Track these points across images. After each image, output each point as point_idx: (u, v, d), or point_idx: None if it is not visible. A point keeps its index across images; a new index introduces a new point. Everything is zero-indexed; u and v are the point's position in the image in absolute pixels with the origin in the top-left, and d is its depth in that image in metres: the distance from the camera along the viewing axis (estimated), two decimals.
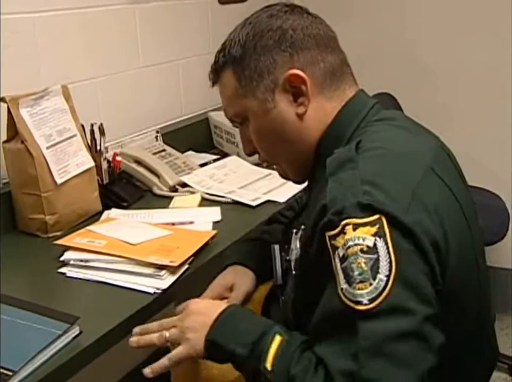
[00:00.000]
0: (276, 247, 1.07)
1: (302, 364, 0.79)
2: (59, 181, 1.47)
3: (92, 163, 1.58)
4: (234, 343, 0.86)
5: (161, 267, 1.29)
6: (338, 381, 0.73)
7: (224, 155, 2.11)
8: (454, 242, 0.82)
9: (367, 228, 0.77)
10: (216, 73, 1.01)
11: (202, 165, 1.95)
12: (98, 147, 1.65)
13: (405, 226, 0.77)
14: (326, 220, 0.81)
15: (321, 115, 0.96)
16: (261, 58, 0.96)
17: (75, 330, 1.10)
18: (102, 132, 1.65)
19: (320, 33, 0.97)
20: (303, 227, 0.94)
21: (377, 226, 0.77)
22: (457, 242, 0.83)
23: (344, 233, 0.78)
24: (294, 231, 1.00)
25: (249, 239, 1.26)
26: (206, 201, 1.72)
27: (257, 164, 1.94)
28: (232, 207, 1.68)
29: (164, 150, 1.91)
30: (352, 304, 0.76)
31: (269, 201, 1.68)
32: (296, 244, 0.97)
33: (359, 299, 0.76)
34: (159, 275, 1.27)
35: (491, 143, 2.59)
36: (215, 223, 1.56)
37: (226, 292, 1.13)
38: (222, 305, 0.95)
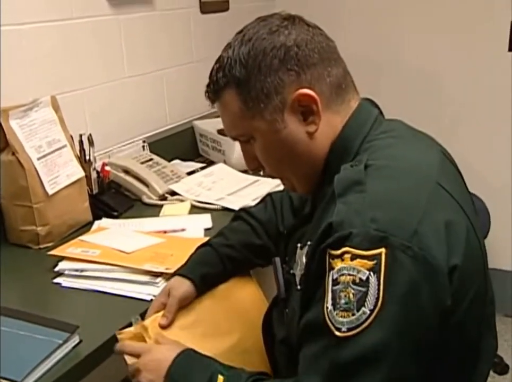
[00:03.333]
0: (278, 260, 1.07)
1: None
2: (50, 192, 1.48)
3: (82, 173, 1.59)
4: None
5: (156, 274, 1.30)
6: None
7: (210, 163, 2.13)
8: (464, 256, 0.83)
9: (365, 261, 0.79)
10: (216, 93, 0.97)
11: (189, 173, 1.97)
12: (87, 158, 1.66)
13: (411, 251, 0.78)
14: (330, 241, 0.82)
15: (329, 131, 0.95)
16: (267, 79, 0.92)
17: (75, 339, 1.10)
18: (91, 143, 1.66)
19: (323, 46, 0.95)
20: (309, 243, 0.94)
21: (374, 261, 0.78)
22: (467, 254, 0.84)
23: (343, 260, 0.80)
24: (299, 245, 1.00)
25: (201, 244, 1.23)
26: (196, 209, 1.73)
27: (244, 171, 1.96)
28: (222, 213, 1.69)
29: (151, 159, 1.92)
30: (332, 327, 0.80)
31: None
32: (302, 259, 0.97)
33: (339, 326, 0.79)
34: (155, 282, 1.29)
35: (469, 143, 2.64)
36: (206, 229, 1.58)
37: (166, 298, 1.12)
38: (173, 353, 0.97)
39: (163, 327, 1.08)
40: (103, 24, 1.90)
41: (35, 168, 1.45)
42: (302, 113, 0.94)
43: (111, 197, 1.73)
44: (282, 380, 0.91)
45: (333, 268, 0.81)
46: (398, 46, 2.70)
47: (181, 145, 2.19)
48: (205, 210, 1.71)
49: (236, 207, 1.69)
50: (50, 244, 1.50)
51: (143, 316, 1.12)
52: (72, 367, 1.06)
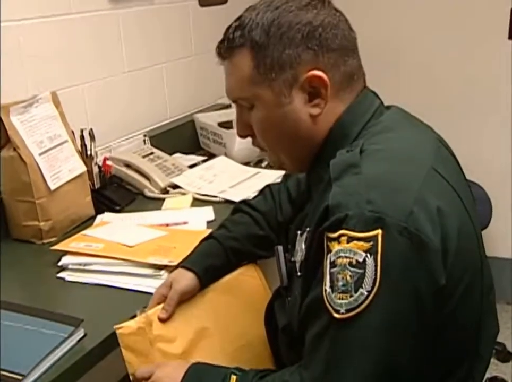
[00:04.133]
0: (280, 248, 1.07)
1: None
2: (52, 187, 1.48)
3: (84, 168, 1.59)
4: None
5: (160, 267, 1.31)
6: None
7: (211, 156, 2.13)
8: (457, 241, 0.84)
9: (361, 243, 0.79)
10: (229, 51, 0.95)
11: (191, 166, 1.97)
12: (89, 152, 1.66)
13: (407, 232, 0.79)
14: (327, 224, 0.83)
15: (331, 117, 0.96)
16: (286, 50, 0.91)
17: (80, 333, 1.11)
18: (92, 137, 1.66)
19: (345, 34, 0.95)
20: (308, 229, 0.94)
21: (371, 243, 0.79)
22: (460, 240, 0.84)
23: (339, 242, 0.81)
24: (299, 232, 1.00)
25: (204, 238, 1.23)
26: (197, 202, 1.74)
27: (245, 163, 1.97)
28: (224, 206, 1.69)
29: (152, 153, 1.92)
30: (331, 309, 0.81)
31: None
32: (301, 246, 0.97)
33: (337, 308, 0.80)
34: (158, 275, 1.29)
35: (470, 132, 2.64)
36: (209, 222, 1.58)
37: (167, 290, 1.12)
38: (184, 367, 0.98)
39: (162, 321, 1.08)
40: (102, 18, 1.90)
41: (37, 164, 1.45)
42: (309, 94, 0.94)
43: (113, 191, 1.73)
44: (286, 369, 0.92)
45: (330, 251, 0.82)
46: (396, 38, 2.70)
47: (182, 139, 2.19)
48: (207, 203, 1.71)
49: (238, 199, 1.68)
50: (53, 239, 1.50)
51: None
52: (77, 360, 1.06)
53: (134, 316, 1.10)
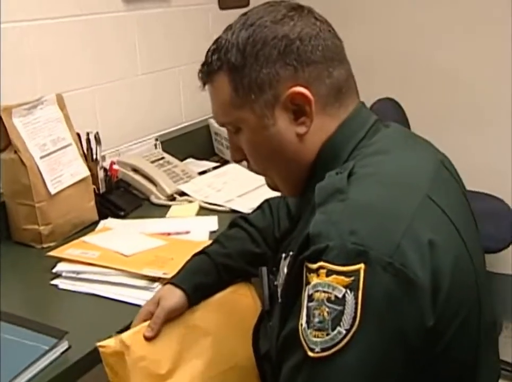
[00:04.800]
0: (264, 270, 1.02)
1: None
2: (52, 191, 1.46)
3: (88, 173, 1.57)
4: None
5: (154, 279, 1.27)
6: None
7: (225, 162, 2.09)
8: (451, 278, 0.77)
9: (341, 278, 0.73)
10: (208, 75, 0.92)
11: (201, 173, 1.93)
12: (94, 156, 1.64)
13: (392, 267, 0.73)
14: (307, 254, 0.77)
15: (321, 135, 0.90)
16: (262, 69, 0.87)
17: (64, 345, 1.08)
18: (98, 141, 1.64)
19: (328, 44, 0.89)
20: (291, 254, 0.89)
21: (352, 278, 0.73)
22: (454, 276, 0.78)
23: (318, 275, 0.75)
24: (283, 255, 0.94)
25: (196, 253, 1.17)
26: (204, 210, 1.70)
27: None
28: (230, 216, 1.64)
29: (163, 158, 1.89)
30: (305, 346, 0.75)
31: None
32: (284, 270, 0.92)
33: (312, 346, 0.74)
34: (152, 288, 1.25)
35: (494, 146, 2.55)
36: (212, 232, 1.54)
37: (154, 307, 1.06)
38: None
39: (148, 339, 1.03)
40: (116, 20, 1.88)
41: (38, 167, 1.44)
42: (294, 112, 0.88)
43: (119, 196, 1.71)
44: None
45: (309, 283, 0.76)
46: (412, 41, 2.62)
47: (196, 144, 2.16)
48: (213, 212, 1.67)
49: (244, 210, 1.65)
50: (53, 244, 1.48)
51: (130, 324, 1.09)
52: (59, 373, 1.03)
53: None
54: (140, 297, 1.23)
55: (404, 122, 2.41)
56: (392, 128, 0.95)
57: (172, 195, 1.77)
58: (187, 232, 1.54)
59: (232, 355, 1.10)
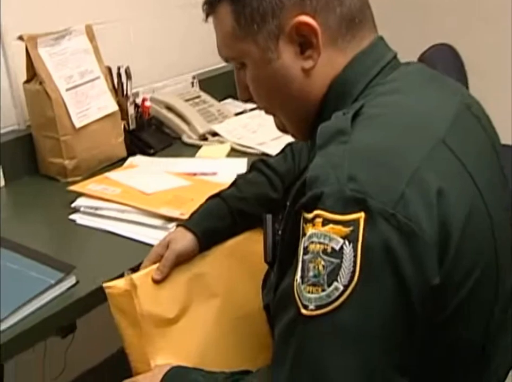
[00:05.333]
0: (269, 217, 0.95)
1: None
2: (78, 124, 1.43)
3: (116, 108, 1.53)
4: None
5: (171, 219, 1.24)
6: None
7: None
8: (462, 233, 0.69)
9: (339, 227, 0.66)
10: (211, 6, 0.86)
11: (238, 114, 1.86)
12: (124, 91, 1.59)
13: (394, 219, 0.66)
14: (303, 201, 0.71)
15: (329, 70, 0.82)
16: None
17: (71, 280, 1.06)
18: (128, 76, 1.59)
19: None
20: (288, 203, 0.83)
21: (351, 228, 0.66)
22: (466, 231, 0.70)
23: (313, 225, 0.68)
24: (288, 203, 0.89)
25: (212, 195, 1.11)
26: (235, 152, 1.64)
27: None
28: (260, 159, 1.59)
29: (199, 97, 1.83)
30: (299, 303, 0.68)
31: None
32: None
33: (306, 303, 0.67)
34: (167, 228, 1.22)
35: None
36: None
37: (164, 250, 1.03)
38: (163, 372, 0.90)
39: (156, 282, 1.00)
40: None
41: (63, 99, 1.41)
42: (300, 45, 0.81)
43: (150, 134, 1.67)
44: (258, 371, 0.82)
45: (305, 234, 0.69)
46: None
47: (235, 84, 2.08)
48: (244, 154, 1.62)
49: (276, 153, 1.59)
50: (78, 178, 1.46)
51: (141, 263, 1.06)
52: (63, 308, 1.02)
53: (123, 274, 1.04)
54: (155, 236, 1.19)
55: (461, 71, 2.25)
56: (413, 66, 0.85)
57: (204, 135, 1.72)
58: (214, 173, 1.49)
59: (243, 303, 1.06)
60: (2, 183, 1.44)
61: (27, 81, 1.42)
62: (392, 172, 0.68)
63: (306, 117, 0.85)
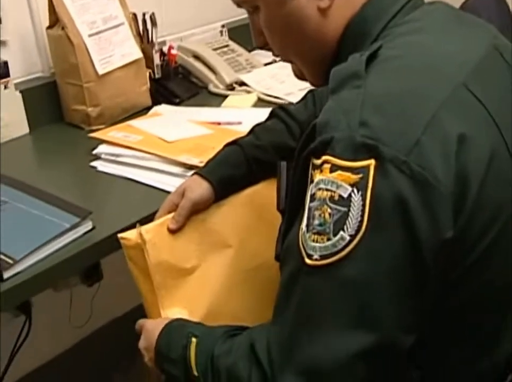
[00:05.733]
0: (283, 164, 0.92)
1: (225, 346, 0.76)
2: (101, 71, 1.41)
3: (140, 55, 1.50)
4: (168, 365, 0.84)
5: (190, 167, 1.22)
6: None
7: None
8: (482, 182, 0.65)
9: (348, 174, 0.63)
10: None
11: (267, 64, 1.81)
12: (150, 38, 1.56)
13: (407, 167, 0.62)
14: (313, 147, 0.67)
15: (346, 9, 0.77)
16: None
17: (87, 225, 1.06)
18: (153, 23, 1.56)
19: None
20: None
21: (360, 175, 0.62)
22: (487, 180, 0.66)
23: (321, 171, 0.65)
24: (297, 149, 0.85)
25: (228, 143, 1.08)
26: (261, 102, 1.60)
27: None
28: None
29: (227, 46, 1.79)
30: (303, 252, 0.65)
31: None
32: None
33: (310, 252, 0.64)
34: (186, 175, 1.20)
35: None
36: None
37: (179, 199, 1.00)
38: (162, 324, 0.89)
39: (172, 232, 0.98)
40: None
41: (85, 45, 1.39)
42: None
43: (176, 83, 1.64)
44: (259, 325, 0.79)
45: (312, 181, 0.66)
46: None
47: None
48: (271, 104, 1.57)
49: None
50: (102, 126, 1.45)
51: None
52: (78, 253, 1.02)
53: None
54: (174, 184, 1.16)
55: (507, 20, 2.13)
56: (437, 5, 0.79)
57: (231, 85, 1.68)
58: (239, 123, 1.46)
59: (259, 253, 1.03)
60: (27, 130, 1.44)
61: (50, 27, 1.41)
62: (408, 118, 0.64)
63: (323, 60, 0.81)
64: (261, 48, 0.88)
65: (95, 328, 1.81)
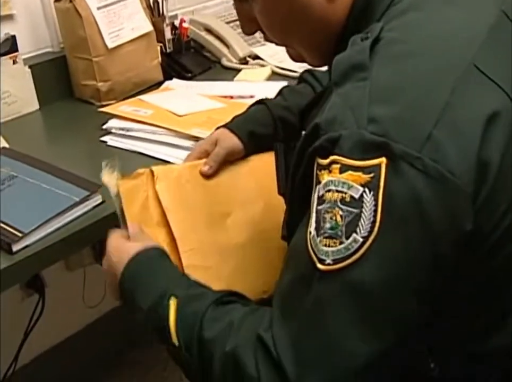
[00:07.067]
0: (280, 146, 0.90)
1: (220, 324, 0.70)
2: (110, 45, 1.38)
3: (150, 28, 1.46)
4: (133, 303, 0.78)
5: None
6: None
7: None
8: (499, 167, 0.61)
9: (358, 174, 0.59)
10: None
11: None
12: (160, 12, 1.53)
13: (420, 163, 0.58)
14: (317, 145, 0.63)
15: None
16: None
17: (97, 199, 1.04)
18: None
19: None
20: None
21: (371, 175, 0.58)
22: (504, 162, 0.61)
23: (330, 172, 0.61)
24: (303, 133, 0.80)
25: (255, 102, 1.07)
26: (275, 76, 1.57)
27: None
28: None
29: None
30: (314, 258, 0.62)
31: None
32: None
33: (322, 257, 0.61)
34: None
35: None
36: None
37: (211, 147, 0.99)
38: (134, 249, 0.83)
39: (206, 176, 0.98)
40: None
41: (94, 18, 1.35)
42: None
43: (189, 58, 1.61)
44: (261, 318, 0.70)
45: (319, 182, 0.62)
46: None
47: None
48: (285, 77, 1.54)
49: None
50: (112, 102, 1.42)
51: None
52: (86, 226, 1.00)
53: None
54: (183, 157, 1.15)
55: None
56: None
57: (245, 58, 1.64)
58: (252, 96, 1.42)
59: (261, 222, 1.01)
60: (37, 106, 1.42)
61: (57, 0, 1.38)
62: (418, 110, 0.60)
63: (327, 43, 0.77)
64: (249, 34, 0.84)
65: (109, 308, 1.79)
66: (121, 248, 0.85)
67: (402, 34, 0.66)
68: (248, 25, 0.82)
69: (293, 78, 1.52)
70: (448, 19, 0.68)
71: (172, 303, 0.74)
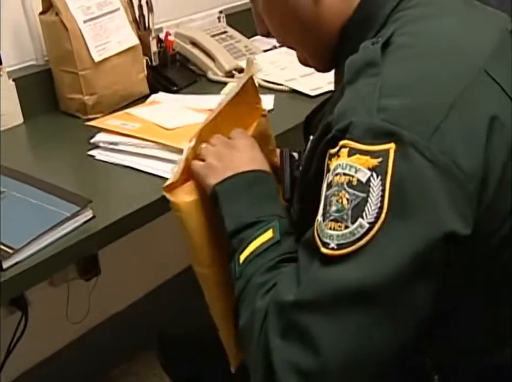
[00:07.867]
0: (286, 152, 0.90)
1: (263, 278, 0.70)
2: (97, 58, 1.37)
3: (136, 41, 1.46)
4: (228, 213, 0.78)
5: None
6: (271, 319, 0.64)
7: None
8: (505, 164, 0.63)
9: (366, 158, 0.59)
10: None
11: (267, 51, 1.78)
12: (146, 25, 1.52)
13: (429, 152, 0.59)
14: (329, 137, 0.64)
15: None
16: None
17: (87, 214, 1.02)
18: (150, 8, 1.52)
19: None
20: (311, 137, 0.77)
21: (379, 159, 0.59)
22: (508, 166, 0.63)
23: (338, 156, 0.61)
24: (311, 137, 0.80)
25: None
26: (262, 89, 1.56)
27: None
28: (288, 96, 1.52)
29: (225, 32, 1.75)
30: (318, 241, 0.62)
31: (331, 91, 1.50)
32: None
33: (326, 240, 0.61)
34: None
35: None
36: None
37: None
38: (255, 164, 0.83)
39: None
40: None
41: (80, 31, 1.34)
42: None
43: (174, 71, 1.60)
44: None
45: (329, 170, 0.63)
46: None
47: None
48: (271, 90, 1.54)
49: (306, 90, 1.51)
50: (99, 115, 1.41)
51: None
52: (78, 242, 0.98)
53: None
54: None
55: None
56: None
57: (230, 71, 1.64)
58: None
59: None
60: (21, 120, 1.39)
61: (43, 13, 1.36)
62: (429, 103, 0.61)
63: (325, 47, 0.79)
64: (266, 36, 0.87)
65: (93, 324, 1.76)
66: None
67: (414, 39, 0.67)
68: (260, 26, 0.86)
69: (280, 91, 1.53)
70: (459, 28, 0.70)
71: (270, 233, 0.74)
